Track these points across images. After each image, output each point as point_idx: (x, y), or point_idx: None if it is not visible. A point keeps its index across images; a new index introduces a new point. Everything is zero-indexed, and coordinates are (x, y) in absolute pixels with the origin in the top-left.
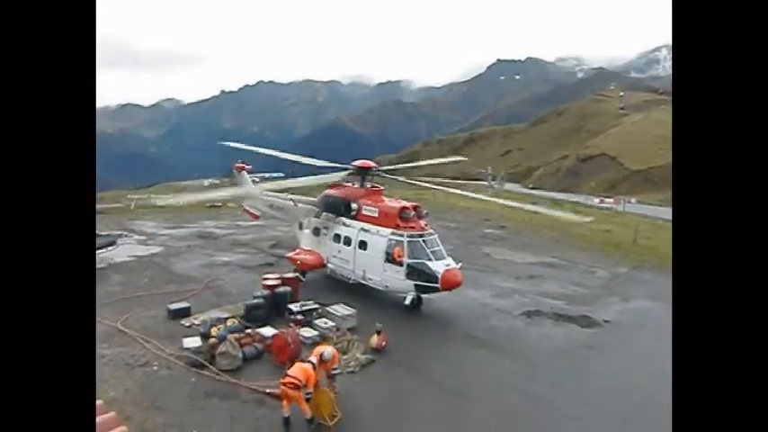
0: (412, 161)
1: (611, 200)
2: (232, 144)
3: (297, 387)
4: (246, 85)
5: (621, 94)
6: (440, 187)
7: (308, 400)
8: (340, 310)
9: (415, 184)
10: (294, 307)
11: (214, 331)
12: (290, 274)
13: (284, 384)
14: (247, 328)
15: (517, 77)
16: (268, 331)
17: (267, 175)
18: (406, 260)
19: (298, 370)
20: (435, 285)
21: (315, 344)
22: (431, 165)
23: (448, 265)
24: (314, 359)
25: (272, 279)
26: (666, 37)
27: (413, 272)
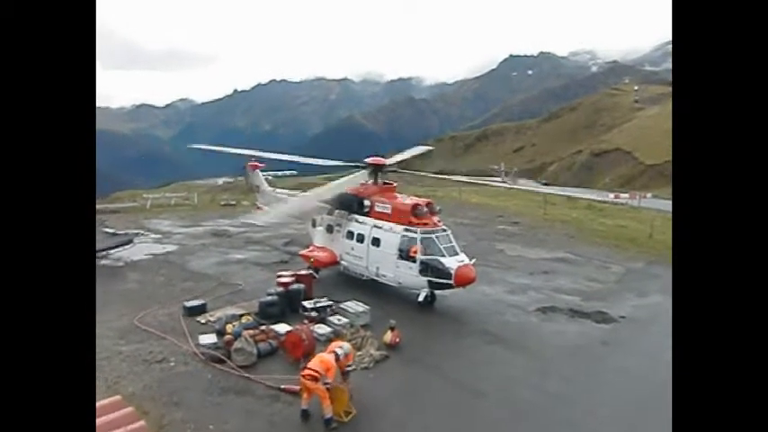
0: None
1: (626, 195)
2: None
3: (315, 379)
4: (259, 84)
5: (636, 87)
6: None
7: (327, 390)
8: (353, 306)
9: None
10: (308, 304)
11: (229, 328)
12: (304, 272)
13: (303, 376)
14: (262, 324)
15: (530, 73)
16: (282, 328)
17: (280, 173)
18: (419, 256)
19: (317, 361)
20: (449, 282)
21: (329, 340)
22: (443, 162)
23: (461, 262)
24: (339, 351)
25: (286, 276)
26: None
27: (426, 268)
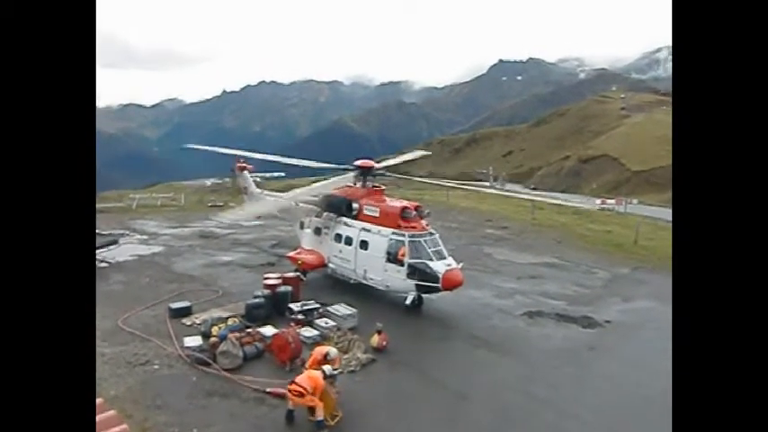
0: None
1: (613, 201)
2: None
3: (302, 395)
4: (248, 85)
5: (623, 95)
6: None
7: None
8: (341, 309)
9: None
10: (295, 306)
11: (215, 330)
12: (291, 274)
13: (290, 391)
14: (248, 327)
15: (519, 78)
16: (269, 330)
17: (268, 174)
18: (407, 260)
19: (306, 378)
20: (436, 285)
21: (315, 343)
22: (432, 166)
23: (449, 265)
24: (328, 368)
25: (273, 278)
26: (667, 38)
27: (414, 272)
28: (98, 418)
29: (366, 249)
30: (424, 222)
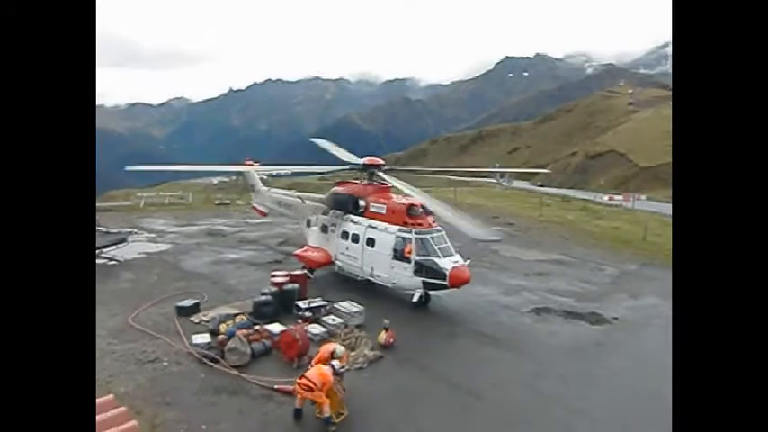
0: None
1: (621, 197)
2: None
3: (310, 389)
4: (255, 84)
5: (630, 90)
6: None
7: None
8: (348, 306)
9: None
10: (302, 304)
11: (223, 328)
12: (299, 272)
13: (299, 384)
14: (256, 324)
15: (525, 74)
16: (276, 328)
17: (275, 172)
18: (413, 257)
19: (315, 373)
20: (443, 282)
21: (323, 340)
22: (438, 163)
23: (456, 262)
24: (336, 363)
25: (280, 276)
26: None
27: (421, 269)
28: (108, 414)
29: (373, 246)
30: (430, 219)
